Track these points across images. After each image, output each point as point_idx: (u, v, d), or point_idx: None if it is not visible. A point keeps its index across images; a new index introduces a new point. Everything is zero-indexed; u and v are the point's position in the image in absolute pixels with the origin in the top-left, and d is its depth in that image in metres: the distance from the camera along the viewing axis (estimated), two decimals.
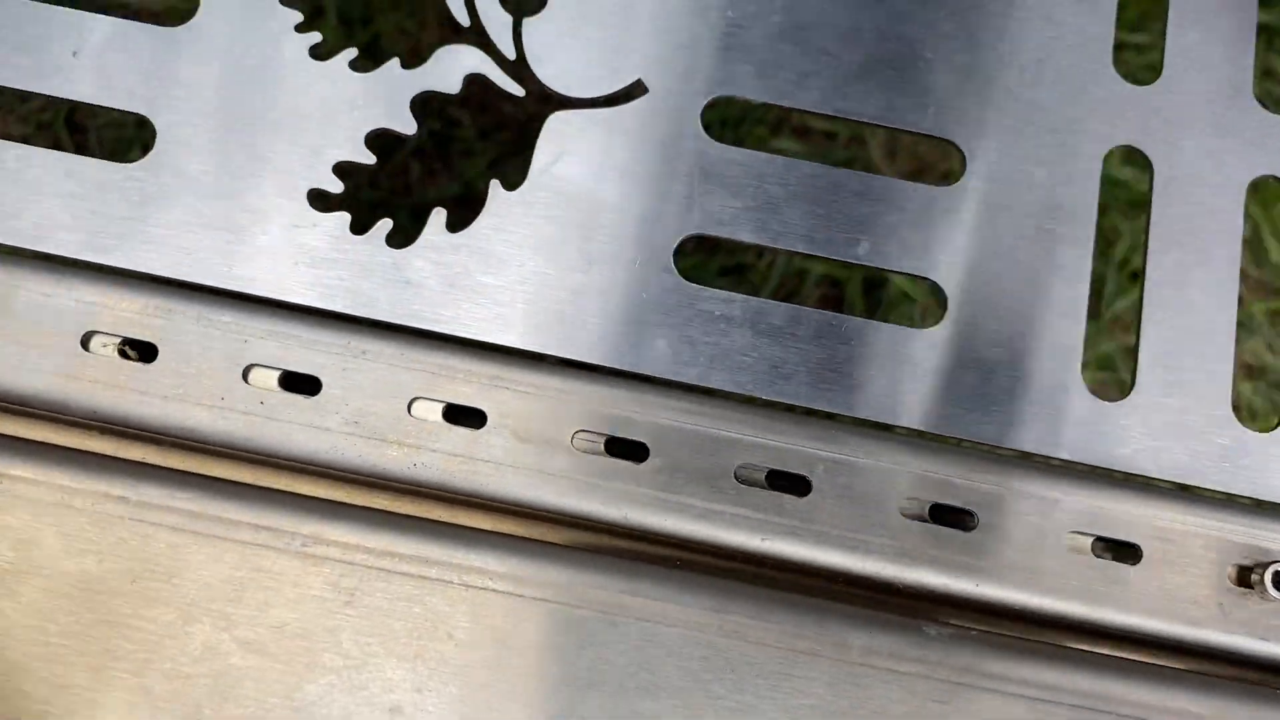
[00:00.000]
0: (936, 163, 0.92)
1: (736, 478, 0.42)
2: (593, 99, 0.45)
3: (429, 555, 0.40)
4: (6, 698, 0.39)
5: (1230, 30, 0.46)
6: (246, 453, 0.42)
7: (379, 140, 0.44)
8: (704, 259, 0.87)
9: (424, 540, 0.41)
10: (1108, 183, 0.44)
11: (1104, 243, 0.84)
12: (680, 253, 0.44)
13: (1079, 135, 0.45)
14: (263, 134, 0.44)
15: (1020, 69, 0.46)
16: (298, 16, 0.45)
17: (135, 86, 0.44)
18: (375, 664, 0.40)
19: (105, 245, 0.43)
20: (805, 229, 0.44)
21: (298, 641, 0.40)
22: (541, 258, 0.44)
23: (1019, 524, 0.42)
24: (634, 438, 0.42)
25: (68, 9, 0.45)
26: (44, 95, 0.44)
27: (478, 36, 0.45)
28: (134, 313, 0.43)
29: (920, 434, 0.43)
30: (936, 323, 0.44)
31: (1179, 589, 0.42)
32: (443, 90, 0.45)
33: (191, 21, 0.45)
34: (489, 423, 0.42)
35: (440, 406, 0.42)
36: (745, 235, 0.44)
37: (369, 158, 0.44)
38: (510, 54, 0.45)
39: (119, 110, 0.44)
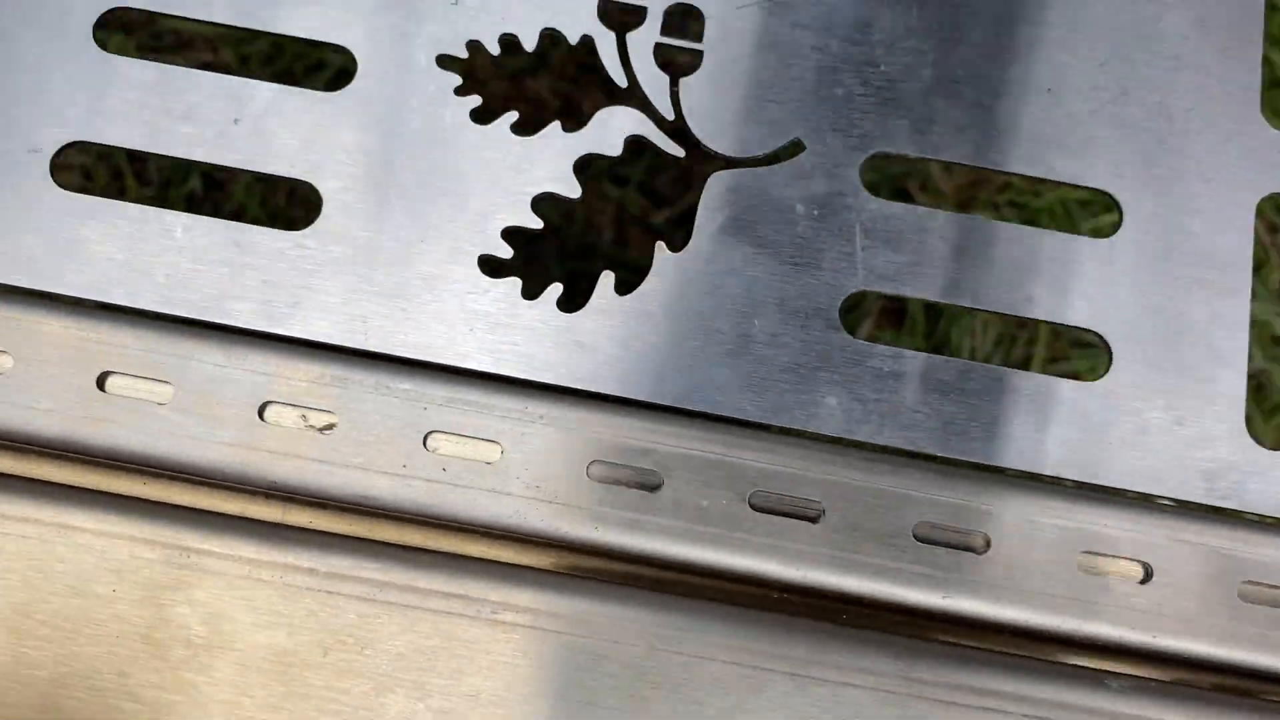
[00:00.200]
0: (1085, 216, 0.92)
1: (914, 535, 0.42)
2: (751, 158, 0.45)
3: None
4: None
5: None
6: (430, 519, 0.42)
7: (545, 204, 0.45)
8: (866, 315, 0.87)
9: (608, 603, 0.41)
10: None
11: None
12: (846, 309, 0.44)
13: (1231, 184, 0.46)
14: (429, 199, 0.44)
15: (1170, 119, 0.46)
16: (456, 79, 0.45)
17: (297, 153, 0.44)
18: None
19: (278, 314, 0.43)
20: (971, 283, 0.45)
21: (493, 710, 0.40)
22: (709, 318, 0.44)
23: (1192, 575, 0.43)
24: (809, 497, 0.43)
25: (227, 76, 0.45)
26: (207, 164, 0.44)
27: (636, 98, 0.46)
28: (310, 381, 0.43)
29: (1090, 487, 0.43)
30: (1102, 375, 0.44)
31: None
32: (604, 153, 0.45)
33: (349, 86, 0.45)
34: (665, 486, 0.42)
35: (620, 470, 0.43)
36: (911, 291, 0.44)
37: (535, 222, 0.44)
38: (669, 115, 0.45)
39: (283, 177, 0.44)
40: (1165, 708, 0.41)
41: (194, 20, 0.46)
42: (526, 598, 0.41)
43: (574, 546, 0.42)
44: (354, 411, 0.43)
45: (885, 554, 0.42)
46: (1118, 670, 0.43)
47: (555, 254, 0.82)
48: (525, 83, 0.82)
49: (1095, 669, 0.42)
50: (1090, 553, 0.43)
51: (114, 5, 0.46)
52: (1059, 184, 0.46)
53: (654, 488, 0.43)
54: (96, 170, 0.86)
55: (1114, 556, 0.43)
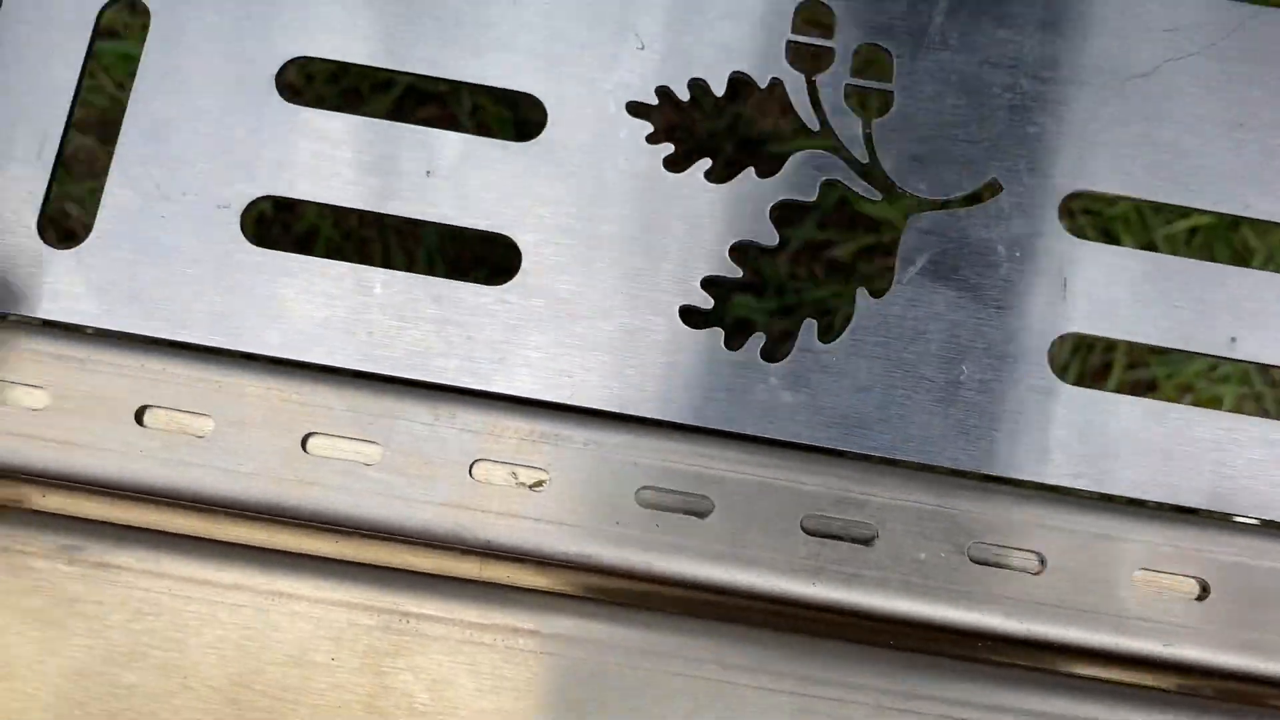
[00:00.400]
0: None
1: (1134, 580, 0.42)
2: (949, 200, 0.45)
3: (849, 680, 0.40)
4: None
5: None
6: (643, 577, 0.42)
7: (743, 252, 0.44)
8: (1074, 357, 0.86)
9: (818, 660, 0.41)
10: None
11: None
12: (1055, 353, 0.44)
13: None
14: (626, 250, 0.43)
15: None
16: (648, 126, 0.45)
17: (493, 205, 0.44)
18: None
19: (482, 370, 0.43)
20: (1177, 323, 0.44)
21: None
22: (915, 365, 0.43)
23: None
24: (1029, 548, 0.42)
25: (418, 126, 0.44)
26: (401, 217, 0.44)
27: (829, 141, 0.45)
28: (519, 438, 0.42)
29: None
30: None
31: None
32: (800, 198, 0.45)
33: (541, 136, 0.44)
34: (879, 538, 0.42)
35: (834, 524, 0.42)
36: (1119, 333, 0.44)
37: (735, 270, 0.44)
38: (863, 157, 0.45)
39: (481, 230, 0.44)
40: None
41: (380, 69, 0.45)
42: (744, 657, 0.40)
43: (791, 604, 0.42)
44: (564, 467, 0.42)
45: (1100, 603, 0.42)
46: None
47: (755, 302, 0.80)
48: (717, 128, 0.80)
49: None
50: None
51: (296, 55, 0.45)
52: (1254, 220, 0.45)
53: (867, 541, 0.42)
54: (290, 224, 0.84)
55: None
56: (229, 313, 0.43)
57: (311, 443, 0.42)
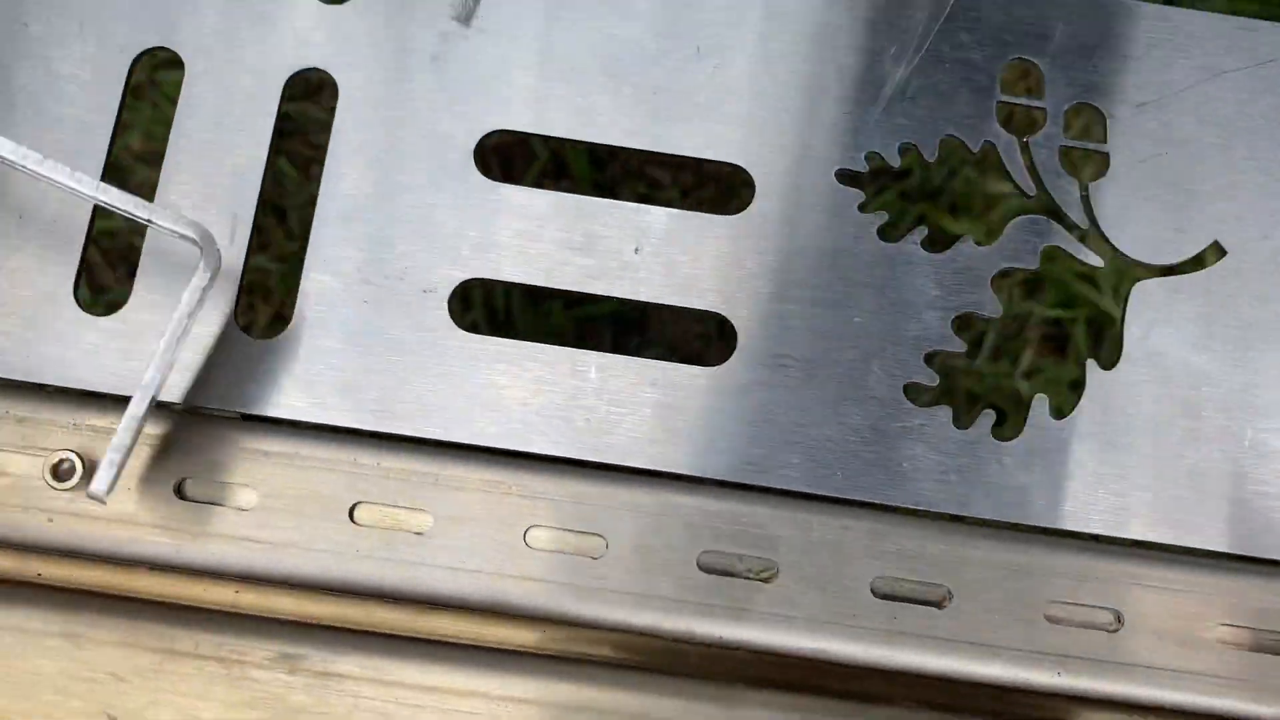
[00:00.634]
0: None
1: None
2: (1171, 265, 0.43)
3: None
4: None
5: None
6: (879, 670, 0.40)
7: (966, 324, 0.42)
8: None
9: None
10: None
11: None
12: None
13: None
14: (843, 326, 0.42)
15: None
16: (860, 195, 0.43)
17: (705, 281, 0.42)
18: None
19: (706, 457, 0.41)
20: None
21: None
22: (1150, 439, 0.42)
23: None
24: (1270, 628, 0.41)
25: (623, 202, 0.43)
26: (614, 298, 0.42)
27: (1046, 205, 0.43)
28: (750, 528, 0.40)
29: None
30: None
31: None
32: (1020, 266, 0.43)
33: (750, 208, 0.43)
34: (1125, 625, 0.40)
35: (1076, 610, 0.40)
36: None
37: (958, 344, 0.42)
38: (1082, 221, 0.43)
39: (697, 309, 0.42)
40: None
41: (580, 141, 0.43)
42: None
43: (1026, 689, 0.40)
44: (796, 558, 0.40)
45: None
46: None
47: (981, 377, 0.77)
48: (930, 194, 0.78)
49: None
50: None
51: (495, 128, 0.43)
52: None
53: (1113, 630, 0.41)
54: (495, 306, 0.82)
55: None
56: (440, 403, 0.41)
57: (533, 536, 0.40)
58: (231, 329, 0.41)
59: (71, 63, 0.43)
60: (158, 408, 0.41)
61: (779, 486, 0.41)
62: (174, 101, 0.43)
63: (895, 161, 0.44)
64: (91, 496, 0.37)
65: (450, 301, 0.42)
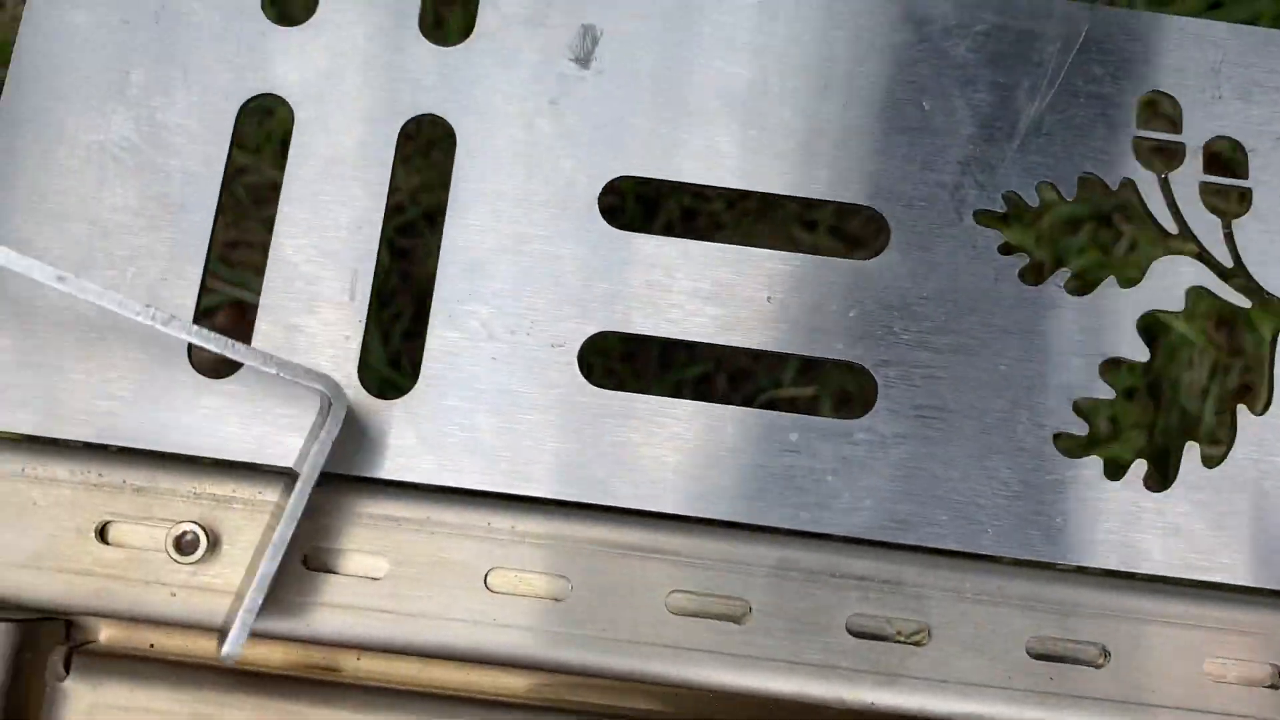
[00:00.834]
0: None
1: None
2: None
3: None
4: None
5: None
6: None
7: (1113, 369, 0.41)
8: None
9: None
10: None
11: None
12: None
13: None
14: (988, 372, 0.40)
15: None
16: (999, 237, 0.41)
17: (841, 330, 0.40)
18: None
19: (852, 514, 0.39)
20: None
21: None
22: None
23: None
24: None
25: (754, 249, 0.41)
26: (743, 349, 0.40)
27: (1189, 243, 0.42)
28: (899, 589, 0.39)
29: None
30: None
31: None
32: (1166, 307, 0.42)
33: (885, 253, 0.41)
34: None
35: (1239, 665, 0.39)
36: None
37: (1106, 390, 0.41)
38: (1226, 260, 0.42)
39: (834, 359, 0.40)
40: None
41: (705, 186, 0.41)
42: None
43: None
44: (945, 619, 0.39)
45: None
46: None
47: (1131, 425, 0.74)
48: (1071, 235, 0.75)
49: None
50: None
51: (620, 175, 0.41)
52: None
53: (1277, 687, 0.39)
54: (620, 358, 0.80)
55: None
56: (575, 462, 0.39)
57: (674, 601, 0.39)
58: (355, 390, 0.39)
59: (176, 111, 0.41)
60: (280, 474, 0.39)
61: (928, 545, 0.39)
62: (283, 151, 0.41)
63: (1033, 200, 0.42)
64: (225, 659, 0.35)
65: (580, 356, 0.40)
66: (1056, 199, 0.42)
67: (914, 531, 0.39)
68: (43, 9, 0.42)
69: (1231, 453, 0.40)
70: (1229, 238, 0.42)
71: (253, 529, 0.38)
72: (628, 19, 0.42)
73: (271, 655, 0.39)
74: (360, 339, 0.40)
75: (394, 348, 0.76)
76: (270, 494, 0.38)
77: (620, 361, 0.82)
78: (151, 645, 0.41)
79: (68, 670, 0.38)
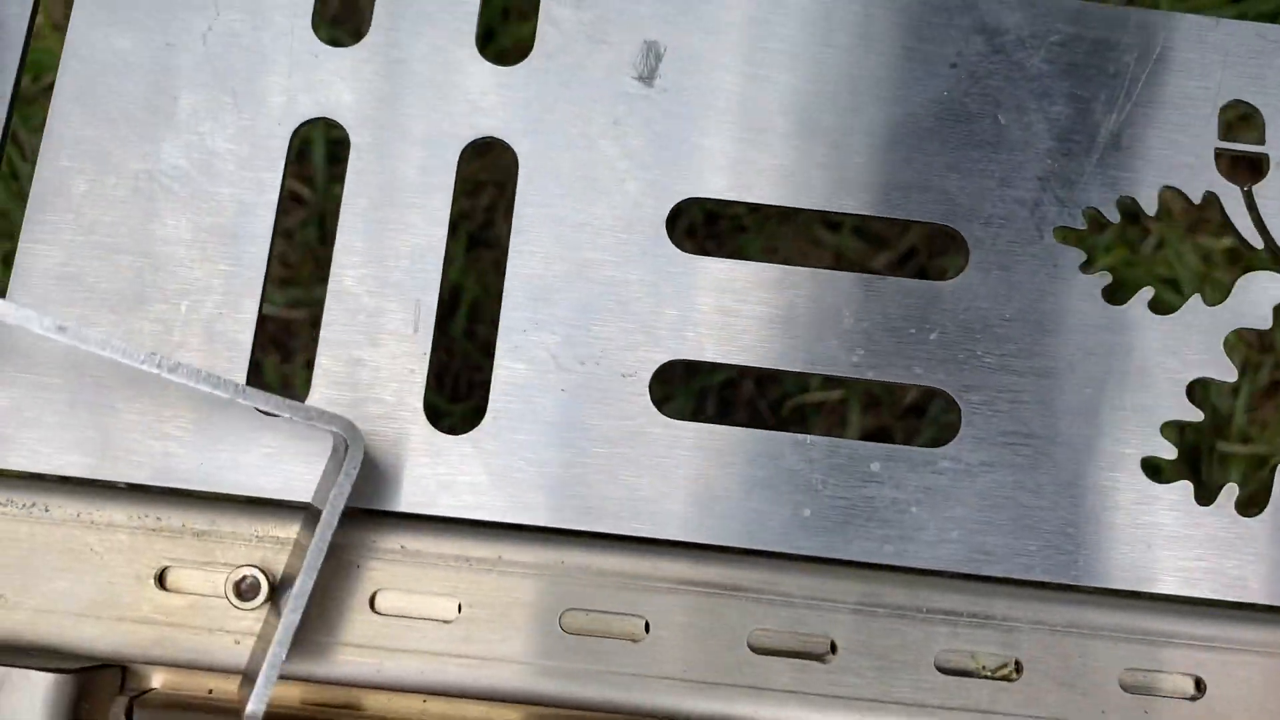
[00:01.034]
0: None
1: None
2: None
3: None
4: None
5: None
6: None
7: (1202, 391, 0.40)
8: None
9: None
10: None
11: None
12: None
13: None
14: (1074, 395, 0.39)
15: None
16: (1079, 254, 0.40)
17: (923, 355, 0.39)
18: None
19: (937, 552, 0.38)
20: None
21: None
22: None
23: None
24: None
25: (831, 272, 0.40)
26: (819, 374, 0.39)
27: (1276, 259, 0.41)
28: (988, 622, 0.38)
29: None
30: None
31: None
32: (1253, 325, 0.40)
33: (964, 274, 0.40)
34: None
35: None
36: None
37: (1194, 412, 0.39)
38: None
39: (917, 385, 0.39)
40: None
41: (776, 207, 0.40)
42: None
43: None
44: (1035, 653, 0.37)
45: None
46: None
47: (1217, 448, 0.73)
48: (1152, 250, 0.73)
49: None
50: None
51: (688, 196, 0.40)
52: None
53: None
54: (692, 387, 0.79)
55: None
56: (649, 497, 0.38)
57: (756, 639, 0.37)
58: (421, 425, 0.38)
59: (226, 137, 0.40)
60: (345, 512, 0.38)
61: (1016, 576, 0.38)
62: (338, 177, 0.40)
63: (1114, 216, 0.41)
64: (249, 716, 0.34)
65: (651, 386, 0.39)
66: (1137, 213, 0.41)
67: (1002, 563, 0.38)
68: (84, 33, 0.40)
69: None
70: None
71: (320, 573, 0.37)
72: (691, 34, 0.41)
73: (325, 694, 0.38)
74: (425, 372, 0.38)
75: (460, 381, 0.74)
76: (338, 536, 0.37)
77: None
78: (210, 691, 0.40)
79: None
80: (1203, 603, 0.38)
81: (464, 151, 0.40)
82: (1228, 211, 0.41)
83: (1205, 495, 0.39)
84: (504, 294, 0.39)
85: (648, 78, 0.40)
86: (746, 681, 0.37)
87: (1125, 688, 0.38)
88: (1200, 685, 0.38)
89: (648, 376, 0.39)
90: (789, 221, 0.88)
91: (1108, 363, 0.39)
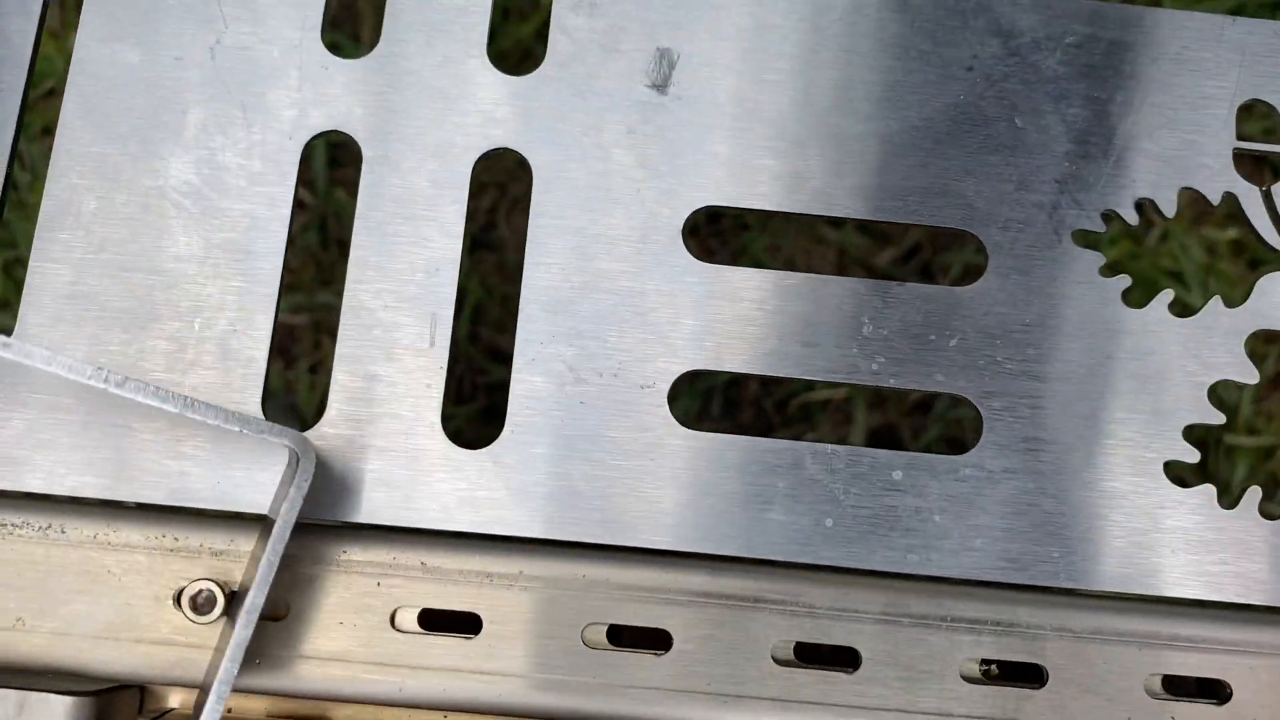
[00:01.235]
0: None
1: None
2: None
3: None
4: None
5: None
6: None
7: (1222, 393, 0.39)
8: None
9: None
10: None
11: None
12: None
13: None
14: (1094, 399, 0.39)
15: None
16: (1098, 258, 0.40)
17: (942, 361, 0.39)
18: None
19: (961, 560, 0.38)
20: None
21: None
22: None
23: None
24: None
25: (843, 279, 0.39)
26: (828, 382, 0.39)
27: None
28: (1013, 630, 0.37)
29: None
30: None
31: None
32: (1274, 327, 0.40)
33: (983, 279, 0.40)
34: None
35: None
36: None
37: (1216, 416, 0.39)
38: None
39: (936, 392, 0.39)
40: None
41: (793, 213, 0.40)
42: None
43: None
44: (1060, 661, 0.37)
45: None
46: None
47: (1224, 441, 0.72)
48: (1175, 246, 0.72)
49: None
50: None
51: (704, 204, 0.40)
52: None
53: None
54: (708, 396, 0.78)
55: None
56: (670, 509, 0.38)
57: (781, 651, 0.37)
58: (439, 440, 0.38)
59: (237, 152, 0.39)
60: (362, 529, 0.37)
61: (1041, 584, 0.38)
62: (339, 181, 0.39)
63: (1133, 218, 0.40)
64: None
65: (670, 397, 0.38)
66: (1155, 215, 0.41)
67: (1026, 570, 0.38)
68: (91, 48, 0.40)
69: None
70: None
71: (342, 590, 0.37)
72: (704, 40, 0.40)
73: (341, 713, 0.37)
74: (442, 387, 0.38)
75: (478, 394, 0.74)
76: (358, 554, 0.37)
77: None
78: (229, 710, 0.39)
79: None
80: (1227, 606, 0.38)
81: (476, 162, 0.39)
82: (1247, 212, 0.41)
83: (1228, 499, 0.39)
84: (520, 306, 0.39)
85: (661, 85, 0.40)
86: (771, 694, 0.37)
87: (1151, 693, 0.37)
88: (1226, 689, 0.38)
89: (666, 388, 0.38)
90: (792, 220, 0.87)
91: (1128, 366, 0.39)
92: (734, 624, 0.37)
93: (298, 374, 0.80)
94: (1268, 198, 0.41)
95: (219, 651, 0.35)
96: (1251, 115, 0.41)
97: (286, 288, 0.76)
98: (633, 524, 0.37)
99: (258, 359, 0.38)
